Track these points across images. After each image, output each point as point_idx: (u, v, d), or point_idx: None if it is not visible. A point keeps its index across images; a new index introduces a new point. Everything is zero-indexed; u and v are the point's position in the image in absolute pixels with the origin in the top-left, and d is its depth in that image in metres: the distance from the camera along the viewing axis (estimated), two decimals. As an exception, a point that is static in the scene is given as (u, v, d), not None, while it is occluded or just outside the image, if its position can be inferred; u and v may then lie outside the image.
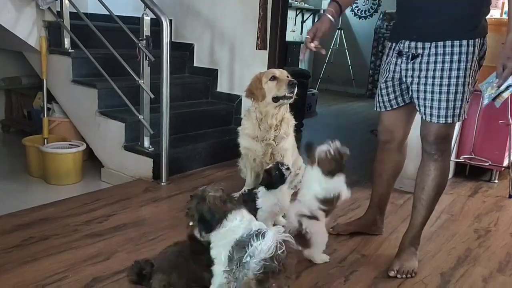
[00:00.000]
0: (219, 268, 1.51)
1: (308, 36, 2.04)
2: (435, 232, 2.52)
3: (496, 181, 3.44)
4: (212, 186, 1.63)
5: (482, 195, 3.18)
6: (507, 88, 1.91)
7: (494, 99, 1.96)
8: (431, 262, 2.19)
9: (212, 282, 1.56)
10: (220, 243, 1.50)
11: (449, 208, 2.88)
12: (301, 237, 1.99)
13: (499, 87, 1.89)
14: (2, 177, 3.20)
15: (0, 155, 3.81)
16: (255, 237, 1.30)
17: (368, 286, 1.94)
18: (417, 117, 2.07)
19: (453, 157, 3.35)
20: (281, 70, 2.67)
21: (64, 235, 2.23)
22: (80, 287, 1.81)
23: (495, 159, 3.33)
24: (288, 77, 2.61)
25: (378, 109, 2.18)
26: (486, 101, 1.98)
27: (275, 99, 2.58)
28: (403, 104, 2.08)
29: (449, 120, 1.91)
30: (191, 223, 1.62)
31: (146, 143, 3.11)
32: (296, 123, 2.79)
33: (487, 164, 3.34)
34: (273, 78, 2.58)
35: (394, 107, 2.10)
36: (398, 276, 2.01)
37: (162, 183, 3.02)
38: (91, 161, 3.43)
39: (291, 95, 2.56)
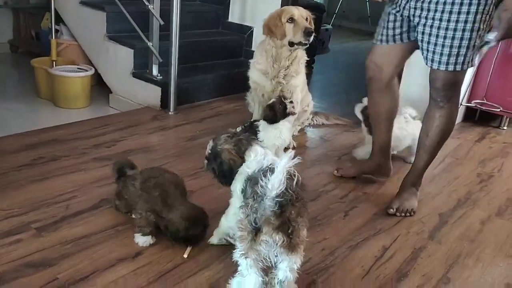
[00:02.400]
0: (235, 201, 1.57)
1: None
2: (438, 174, 2.54)
3: (505, 127, 3.41)
4: (222, 136, 1.58)
5: (489, 140, 3.17)
6: (485, 43, 1.80)
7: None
8: (431, 202, 2.23)
9: (226, 212, 1.64)
10: (237, 178, 1.54)
11: (454, 152, 2.89)
12: None
13: (496, 41, 1.78)
14: (11, 98, 3.21)
15: (9, 76, 3.80)
16: (265, 174, 1.30)
17: (367, 222, 2.00)
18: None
19: (464, 102, 3.30)
20: (300, 8, 2.51)
21: (73, 157, 2.27)
22: (89, 207, 1.87)
23: (507, 105, 3.27)
24: (307, 19, 2.49)
25: (379, 42, 2.03)
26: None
27: (291, 43, 2.49)
28: (407, 41, 1.96)
29: (450, 67, 1.81)
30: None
31: (155, 71, 3.08)
32: (308, 59, 2.73)
33: (498, 110, 3.30)
34: (291, 20, 2.45)
35: (397, 42, 1.98)
36: (397, 214, 2.05)
37: (170, 113, 3.03)
38: (99, 87, 3.42)
39: (307, 42, 2.46)
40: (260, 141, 2.17)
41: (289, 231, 1.29)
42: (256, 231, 1.31)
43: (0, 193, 1.89)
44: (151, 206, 1.67)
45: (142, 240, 1.68)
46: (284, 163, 1.24)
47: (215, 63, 3.61)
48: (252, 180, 1.44)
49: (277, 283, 1.40)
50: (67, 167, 2.17)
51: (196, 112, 3.11)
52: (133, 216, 1.78)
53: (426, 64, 1.88)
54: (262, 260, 1.36)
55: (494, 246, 1.92)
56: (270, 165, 1.44)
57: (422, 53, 1.88)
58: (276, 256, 1.35)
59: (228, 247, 1.70)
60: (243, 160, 1.53)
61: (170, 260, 1.61)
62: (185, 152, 2.48)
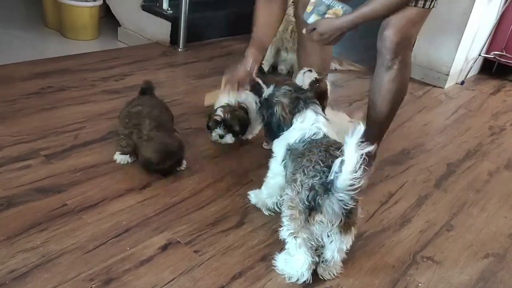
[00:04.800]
0: (274, 165, 1.49)
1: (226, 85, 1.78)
2: (449, 125, 2.51)
3: (522, 82, 3.33)
4: (284, 88, 1.46)
5: (504, 94, 3.10)
6: (329, 7, 1.62)
7: None
8: (440, 152, 2.21)
9: (266, 178, 1.56)
10: (281, 141, 1.45)
11: (467, 103, 2.84)
12: None
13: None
14: (18, 26, 3.14)
15: (16, 3, 3.69)
16: (310, 149, 1.22)
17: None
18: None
19: (482, 53, 3.20)
20: None
21: (82, 88, 2.25)
22: (97, 138, 1.87)
23: (527, 59, 3.18)
24: None
25: None
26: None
27: None
28: None
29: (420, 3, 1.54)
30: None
31: (165, 4, 2.98)
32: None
33: (518, 63, 3.20)
34: None
35: None
36: None
37: (180, 49, 2.97)
38: (108, 19, 3.32)
39: None
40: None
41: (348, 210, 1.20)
42: (310, 210, 1.21)
43: (9, 120, 1.89)
44: (129, 132, 1.69)
45: (120, 157, 1.73)
46: (354, 150, 1.08)
47: (227, -1, 3.49)
48: (293, 152, 1.35)
49: (322, 262, 1.33)
50: (76, 97, 2.15)
51: (206, 50, 3.03)
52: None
53: None
54: (313, 240, 1.26)
55: (500, 197, 1.92)
56: (313, 135, 1.34)
57: None
58: (328, 236, 1.25)
59: (235, 184, 1.72)
60: (291, 121, 1.42)
61: (177, 193, 1.62)
62: (193, 90, 2.44)
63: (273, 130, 1.46)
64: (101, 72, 2.47)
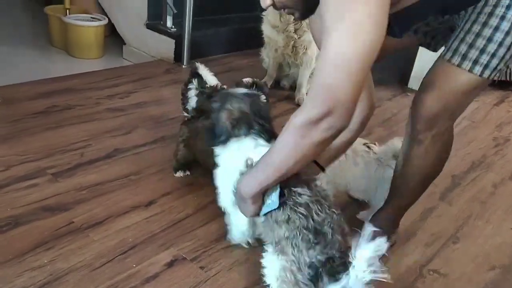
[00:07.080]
0: (228, 205, 1.36)
1: None
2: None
3: (525, 92, 3.33)
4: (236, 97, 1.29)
5: (508, 104, 3.11)
6: None
7: None
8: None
9: (230, 224, 1.45)
10: (224, 173, 1.31)
11: (471, 115, 2.84)
12: None
13: None
14: (24, 45, 3.18)
15: (22, 23, 3.75)
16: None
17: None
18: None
19: (484, 64, 3.20)
20: None
21: (87, 107, 2.28)
22: (103, 156, 1.89)
23: (529, 69, 3.18)
24: None
25: None
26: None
27: None
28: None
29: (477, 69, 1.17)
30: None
31: (169, 22, 3.03)
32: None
33: (520, 73, 3.21)
34: None
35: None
36: None
37: (183, 66, 3.00)
38: (113, 38, 3.37)
39: None
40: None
41: None
42: (314, 284, 1.07)
43: (15, 139, 1.91)
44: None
45: (179, 173, 1.84)
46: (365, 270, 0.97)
47: (229, 16, 3.53)
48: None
49: None
50: (81, 116, 2.18)
51: (209, 66, 2.99)
52: None
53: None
54: None
55: (506, 208, 1.91)
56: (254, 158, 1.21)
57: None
58: None
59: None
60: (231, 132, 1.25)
61: (182, 210, 1.63)
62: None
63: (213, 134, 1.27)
64: (106, 90, 2.50)
